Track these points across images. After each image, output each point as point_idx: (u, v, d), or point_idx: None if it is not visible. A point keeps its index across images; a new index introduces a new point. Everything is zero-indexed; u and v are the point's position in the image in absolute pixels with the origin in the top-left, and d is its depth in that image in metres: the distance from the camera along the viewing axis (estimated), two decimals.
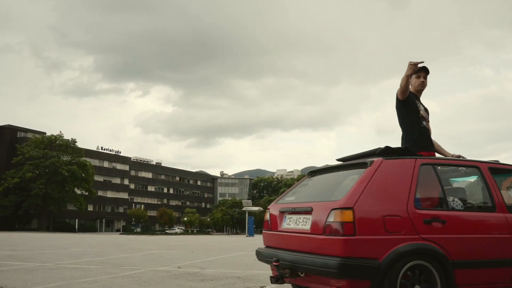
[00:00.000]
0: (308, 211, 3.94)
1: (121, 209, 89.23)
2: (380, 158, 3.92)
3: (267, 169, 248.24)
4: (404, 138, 4.72)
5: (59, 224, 69.30)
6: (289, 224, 4.20)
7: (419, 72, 4.69)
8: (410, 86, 4.67)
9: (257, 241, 25.56)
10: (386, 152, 4.08)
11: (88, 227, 75.01)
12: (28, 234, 34.69)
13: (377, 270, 3.42)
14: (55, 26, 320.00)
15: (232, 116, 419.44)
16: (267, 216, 4.67)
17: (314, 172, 4.88)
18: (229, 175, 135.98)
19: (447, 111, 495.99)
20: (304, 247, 3.86)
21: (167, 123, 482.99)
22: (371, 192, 3.63)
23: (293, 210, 4.21)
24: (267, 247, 4.57)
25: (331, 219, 3.58)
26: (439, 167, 4.13)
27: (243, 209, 40.82)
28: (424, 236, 3.61)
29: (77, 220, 75.55)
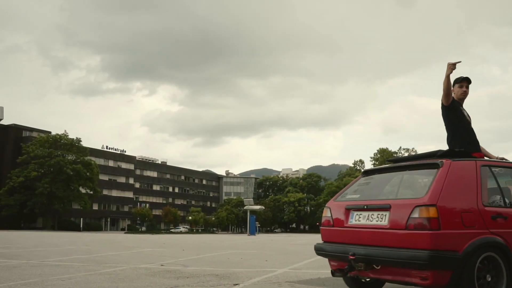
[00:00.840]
0: (384, 208, 4.22)
1: (126, 208, 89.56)
2: (448, 160, 4.25)
3: (274, 168, 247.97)
4: (451, 141, 5.01)
5: (64, 223, 69.66)
6: (359, 220, 4.46)
7: (461, 82, 5.07)
8: (453, 94, 4.99)
9: (257, 239, 25.44)
10: (448, 154, 4.48)
11: (93, 226, 75.38)
12: (29, 233, 34.84)
13: (459, 261, 3.76)
14: (63, 26, 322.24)
15: (238, 115, 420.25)
16: (327, 213, 4.89)
17: (370, 171, 5.18)
18: (234, 174, 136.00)
19: None
20: (381, 241, 4.13)
21: (174, 122, 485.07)
22: (448, 190, 3.97)
23: (365, 207, 4.45)
24: (325, 242, 4.85)
25: (415, 215, 3.87)
26: (493, 168, 4.50)
27: (245, 208, 40.62)
28: (492, 230, 4.00)
29: (82, 219, 75.87)
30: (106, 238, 24.32)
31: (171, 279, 6.17)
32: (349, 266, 4.34)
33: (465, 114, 5.08)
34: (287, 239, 26.65)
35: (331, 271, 4.71)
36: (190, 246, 15.17)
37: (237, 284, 5.70)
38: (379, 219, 4.25)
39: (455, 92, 5.07)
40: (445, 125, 5.14)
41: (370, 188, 4.92)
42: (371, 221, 4.33)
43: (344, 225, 4.62)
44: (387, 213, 4.17)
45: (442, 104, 4.99)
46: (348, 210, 4.63)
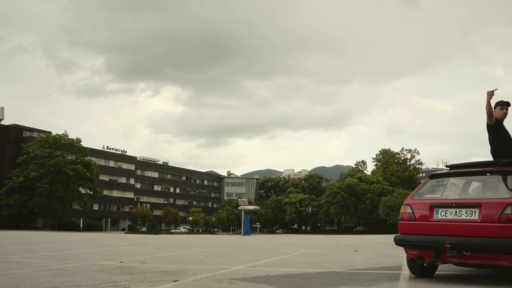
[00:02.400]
0: (475, 205, 5.14)
1: (126, 209, 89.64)
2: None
3: (277, 169, 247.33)
4: (496, 152, 6.12)
5: (65, 223, 69.82)
6: (446, 216, 5.35)
7: (503, 105, 6.15)
8: (494, 114, 6.08)
9: (246, 239, 25.29)
10: (509, 163, 5.50)
11: (93, 226, 75.44)
12: (23, 232, 34.89)
13: None
14: (67, 27, 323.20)
15: (242, 116, 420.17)
16: (408, 210, 5.72)
17: (438, 175, 6.07)
18: (236, 175, 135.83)
19: (460, 110, 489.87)
20: (472, 233, 5.05)
21: (178, 123, 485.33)
22: None
23: (453, 204, 5.30)
24: (405, 234, 5.69)
25: (508, 211, 4.84)
26: None
27: (239, 208, 40.44)
28: None
29: (81, 219, 75.97)
30: (92, 237, 24.30)
31: (115, 275, 6.05)
32: (435, 253, 5.29)
33: (506, 130, 6.18)
34: (275, 239, 26.51)
35: (412, 258, 5.69)
36: (168, 244, 15.05)
37: (176, 281, 5.57)
38: (469, 215, 5.14)
39: (497, 113, 6.14)
40: (491, 139, 6.24)
41: (448, 189, 5.93)
42: (460, 216, 5.21)
43: (429, 219, 5.46)
44: (477, 210, 5.10)
45: (487, 124, 6.15)
46: (432, 207, 5.48)
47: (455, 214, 5.25)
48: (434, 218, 5.44)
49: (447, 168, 6.27)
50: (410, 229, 5.65)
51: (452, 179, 6.04)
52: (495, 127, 6.13)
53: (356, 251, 11.50)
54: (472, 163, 5.94)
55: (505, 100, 6.21)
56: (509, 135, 6.18)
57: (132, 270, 6.74)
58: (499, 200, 5.01)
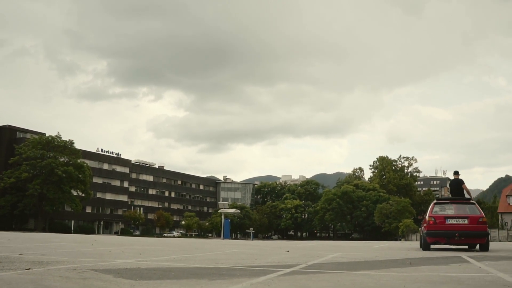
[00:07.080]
0: (465, 217, 11.74)
1: (120, 212, 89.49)
2: (474, 201, 12.61)
3: (278, 176, 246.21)
4: (454, 194, 13.23)
5: (56, 224, 69.67)
6: (452, 222, 11.69)
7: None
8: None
9: (215, 242, 25.10)
10: (469, 199, 12.74)
11: (86, 229, 75.17)
12: (4, 233, 34.84)
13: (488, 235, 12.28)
14: (70, 30, 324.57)
15: (244, 121, 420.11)
16: (432, 219, 11.89)
17: (439, 202, 12.72)
18: (232, 180, 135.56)
19: (461, 119, 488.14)
20: (465, 229, 11.53)
21: (179, 128, 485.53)
22: (481, 213, 12.10)
23: (456, 217, 11.73)
24: (429, 230, 11.82)
25: (480, 220, 11.69)
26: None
27: (219, 211, 40.20)
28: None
29: (73, 221, 75.84)
30: (54, 236, 24.38)
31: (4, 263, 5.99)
32: (448, 239, 11.64)
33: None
34: (245, 242, 26.32)
35: (431, 242, 11.94)
36: (109, 243, 14.92)
37: (28, 269, 5.49)
38: (463, 221, 11.62)
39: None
40: (456, 189, 13.24)
41: (448, 209, 12.16)
42: (458, 222, 11.63)
43: (444, 223, 11.71)
44: (467, 219, 11.64)
45: (463, 184, 13.28)
46: (445, 218, 11.79)
47: (456, 221, 11.66)
48: (446, 223, 11.71)
49: (437, 200, 13.34)
50: (433, 228, 11.76)
51: (447, 205, 12.47)
52: (461, 185, 13.26)
53: (288, 251, 11.37)
54: (451, 198, 12.91)
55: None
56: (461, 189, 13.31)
57: (8, 260, 6.66)
58: (476, 215, 11.71)
